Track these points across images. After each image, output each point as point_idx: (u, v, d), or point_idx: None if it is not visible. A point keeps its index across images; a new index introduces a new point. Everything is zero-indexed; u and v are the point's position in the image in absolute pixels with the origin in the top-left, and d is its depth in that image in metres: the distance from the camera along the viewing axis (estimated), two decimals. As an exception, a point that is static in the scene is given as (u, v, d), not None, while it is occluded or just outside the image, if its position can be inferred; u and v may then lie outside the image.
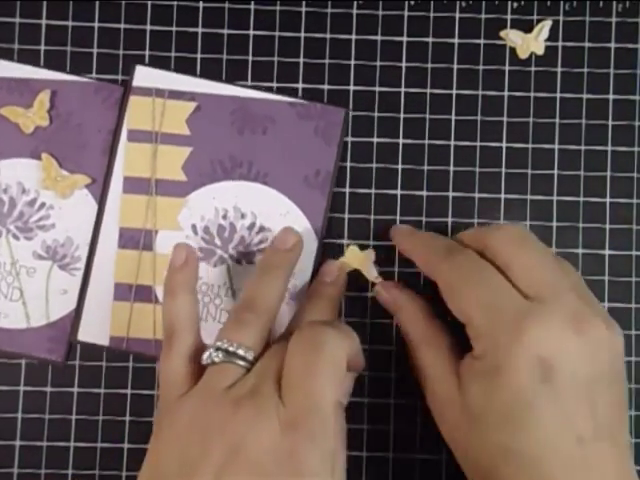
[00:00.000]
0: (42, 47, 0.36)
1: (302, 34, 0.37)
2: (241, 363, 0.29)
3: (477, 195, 0.36)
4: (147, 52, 0.36)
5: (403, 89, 0.37)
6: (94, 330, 0.35)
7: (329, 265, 0.36)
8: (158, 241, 0.36)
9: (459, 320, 0.30)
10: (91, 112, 0.36)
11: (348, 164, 0.36)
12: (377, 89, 0.37)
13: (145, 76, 0.36)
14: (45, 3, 0.36)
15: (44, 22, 0.36)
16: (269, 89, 0.36)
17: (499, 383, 0.27)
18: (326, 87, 0.37)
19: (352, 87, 0.37)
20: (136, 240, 0.36)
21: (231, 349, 0.29)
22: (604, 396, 0.27)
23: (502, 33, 0.37)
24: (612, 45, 0.37)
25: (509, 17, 0.37)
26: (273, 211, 0.36)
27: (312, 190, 0.36)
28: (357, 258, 0.36)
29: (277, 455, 0.26)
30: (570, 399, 0.27)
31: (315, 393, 0.27)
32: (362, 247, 0.36)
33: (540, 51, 0.37)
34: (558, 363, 0.27)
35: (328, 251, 0.36)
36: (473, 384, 0.29)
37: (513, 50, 0.37)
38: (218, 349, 0.29)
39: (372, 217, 0.36)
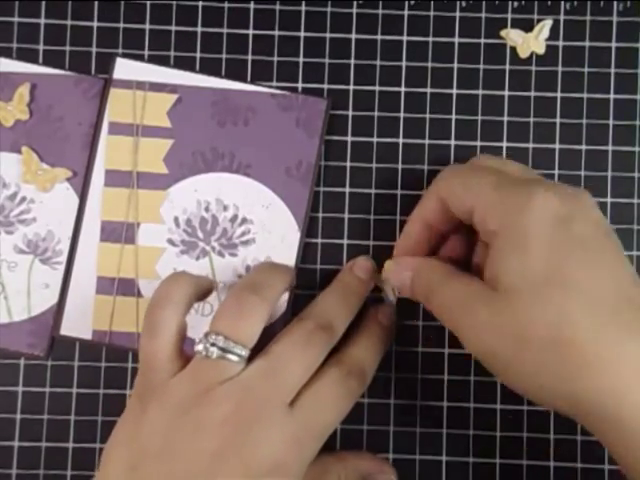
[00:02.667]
0: (41, 47, 0.36)
1: (302, 33, 0.37)
2: (235, 359, 0.29)
3: (477, 195, 0.36)
4: (146, 52, 0.36)
5: (403, 89, 0.37)
6: (76, 324, 0.35)
7: (365, 261, 0.35)
8: (140, 234, 0.36)
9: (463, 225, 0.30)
10: (71, 105, 0.36)
11: (348, 164, 0.36)
12: (377, 89, 0.37)
13: (125, 68, 0.36)
14: (44, 2, 0.36)
15: (43, 21, 0.36)
16: (248, 81, 0.36)
17: (526, 252, 0.26)
18: (326, 87, 0.37)
19: (352, 87, 0.37)
20: (118, 233, 0.36)
21: (228, 347, 0.29)
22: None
23: (502, 32, 0.37)
24: (613, 44, 0.37)
25: (509, 16, 0.37)
26: (255, 203, 0.36)
27: (294, 181, 0.36)
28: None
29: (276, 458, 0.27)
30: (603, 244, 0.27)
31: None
32: (361, 247, 0.36)
33: (541, 50, 0.37)
34: (578, 213, 0.27)
35: (328, 251, 0.36)
36: (501, 266, 0.27)
37: (514, 49, 0.37)
38: (214, 344, 0.29)
39: (372, 217, 0.36)
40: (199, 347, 0.29)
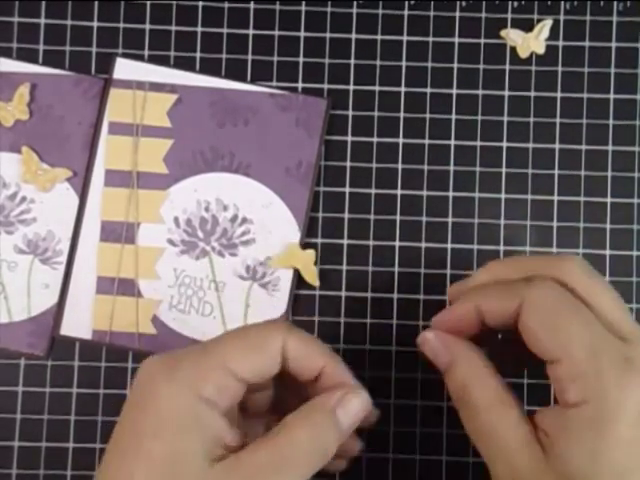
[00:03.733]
0: (41, 47, 0.36)
1: (302, 33, 0.37)
2: None
3: (477, 195, 0.36)
4: (146, 52, 0.36)
5: (403, 88, 0.37)
6: (76, 324, 0.35)
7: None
8: (140, 234, 0.36)
9: (543, 359, 0.25)
10: (71, 105, 0.36)
11: (348, 164, 0.36)
12: (377, 88, 0.37)
13: (125, 68, 0.36)
14: (44, 2, 0.36)
15: (43, 21, 0.36)
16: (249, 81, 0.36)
17: (611, 436, 0.23)
18: (326, 86, 0.37)
19: (352, 87, 0.37)
20: (118, 233, 0.36)
21: None
22: None
23: (502, 32, 0.37)
24: (613, 44, 0.37)
25: (509, 16, 0.37)
26: (255, 203, 0.36)
27: (294, 181, 0.36)
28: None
29: None
30: None
31: None
32: (361, 247, 0.36)
33: (541, 50, 0.37)
34: None
35: (328, 251, 0.36)
36: (573, 443, 0.24)
37: (513, 49, 0.37)
38: None
39: (372, 217, 0.36)
40: None
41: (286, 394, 0.30)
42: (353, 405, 0.27)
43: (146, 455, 0.25)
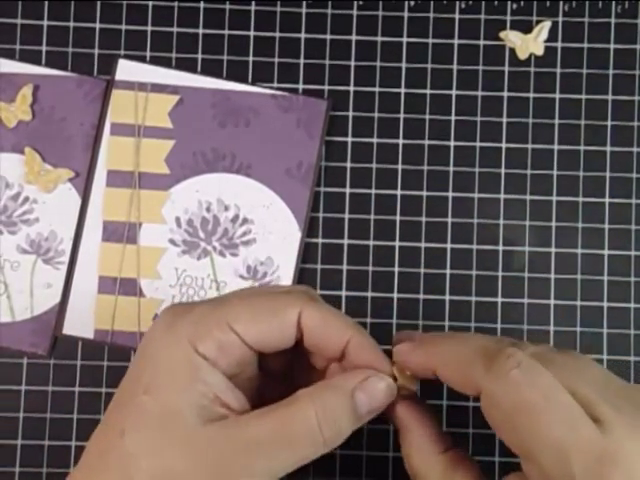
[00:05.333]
0: (43, 48, 0.36)
1: (302, 35, 0.37)
2: None
3: (477, 195, 0.37)
4: (148, 53, 0.37)
5: (403, 89, 0.37)
6: (79, 323, 0.36)
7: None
8: (142, 234, 0.36)
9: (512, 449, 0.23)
10: (74, 106, 0.36)
11: (348, 164, 0.37)
12: (377, 89, 0.37)
13: (127, 70, 0.36)
14: (46, 3, 0.37)
15: (45, 23, 0.37)
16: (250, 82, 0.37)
17: None
18: (326, 87, 0.37)
19: (352, 87, 0.37)
20: (120, 233, 0.36)
21: None
22: None
23: (502, 34, 0.37)
24: (611, 46, 0.37)
25: (508, 18, 0.37)
26: (256, 203, 0.36)
27: (295, 182, 0.36)
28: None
29: None
30: None
31: None
32: (361, 247, 0.36)
33: (539, 52, 0.37)
34: None
35: (329, 251, 0.36)
36: None
37: (512, 51, 0.37)
38: None
39: (372, 217, 0.37)
40: None
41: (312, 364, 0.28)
42: (376, 390, 0.25)
43: (138, 409, 0.24)
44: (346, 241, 0.36)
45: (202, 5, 0.37)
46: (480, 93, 0.37)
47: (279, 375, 0.28)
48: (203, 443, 0.23)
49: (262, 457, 0.23)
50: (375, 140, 0.37)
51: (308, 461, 0.24)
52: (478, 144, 0.37)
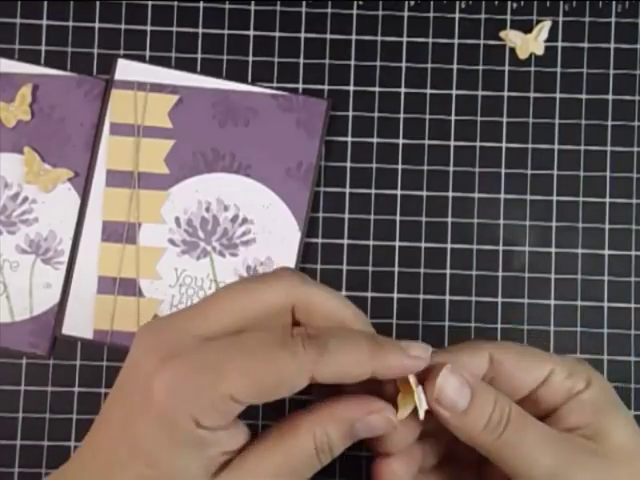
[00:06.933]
0: (43, 48, 0.36)
1: (302, 34, 0.37)
2: None
3: (477, 195, 0.37)
4: (147, 52, 0.37)
5: (403, 89, 0.37)
6: (78, 323, 0.36)
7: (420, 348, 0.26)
8: (141, 234, 0.36)
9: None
10: (73, 106, 0.36)
11: (348, 164, 0.37)
12: (377, 89, 0.37)
13: (127, 69, 0.36)
14: (46, 3, 0.37)
15: (44, 22, 0.37)
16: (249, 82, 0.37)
17: None
18: (326, 87, 0.37)
19: (352, 87, 0.37)
20: (119, 233, 0.36)
21: None
22: None
23: (502, 33, 0.37)
24: (611, 45, 0.37)
25: (509, 17, 0.37)
26: (256, 203, 0.36)
27: (294, 182, 0.36)
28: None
29: None
30: None
31: None
32: (361, 247, 0.36)
33: (540, 51, 0.37)
34: None
35: (329, 251, 0.36)
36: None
37: (513, 50, 0.37)
38: None
39: (372, 217, 0.36)
40: None
41: None
42: (377, 426, 0.25)
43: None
44: (346, 241, 0.36)
45: (202, 5, 0.37)
46: (480, 93, 0.37)
47: None
48: None
49: None
50: (375, 140, 0.37)
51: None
52: (478, 144, 0.37)
